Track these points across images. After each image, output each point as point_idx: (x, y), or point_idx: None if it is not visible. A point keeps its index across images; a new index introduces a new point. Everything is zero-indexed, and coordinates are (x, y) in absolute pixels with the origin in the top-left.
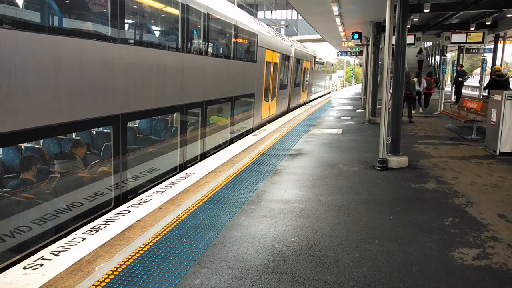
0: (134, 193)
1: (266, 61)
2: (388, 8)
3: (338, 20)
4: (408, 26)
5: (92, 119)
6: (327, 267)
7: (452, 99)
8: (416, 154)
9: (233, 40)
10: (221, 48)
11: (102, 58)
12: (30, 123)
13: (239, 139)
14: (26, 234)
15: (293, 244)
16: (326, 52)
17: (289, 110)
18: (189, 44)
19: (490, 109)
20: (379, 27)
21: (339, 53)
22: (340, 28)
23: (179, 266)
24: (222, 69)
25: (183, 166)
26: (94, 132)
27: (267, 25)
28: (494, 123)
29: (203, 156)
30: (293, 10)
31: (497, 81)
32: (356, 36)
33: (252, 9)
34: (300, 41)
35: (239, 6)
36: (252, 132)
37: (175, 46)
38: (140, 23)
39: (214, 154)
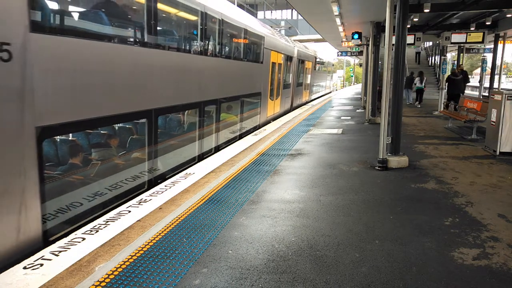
0: (161, 178)
1: (272, 62)
2: (388, 8)
3: (338, 20)
4: (408, 26)
5: (136, 112)
6: (327, 267)
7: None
8: (416, 154)
9: (243, 43)
10: (233, 51)
11: (142, 62)
12: (108, 112)
13: (247, 135)
14: (90, 203)
15: (293, 244)
16: (326, 52)
17: (292, 108)
18: (206, 48)
19: (490, 109)
20: (379, 27)
21: (339, 53)
22: (340, 28)
23: (179, 266)
24: (233, 69)
25: (201, 157)
26: (134, 124)
27: (271, 27)
28: (494, 123)
29: (217, 149)
30: (293, 10)
31: (452, 80)
32: (356, 36)
33: (252, 9)
34: (300, 41)
35: (239, 6)
36: (259, 128)
37: (196, 50)
38: (170, 30)
39: (214, 154)
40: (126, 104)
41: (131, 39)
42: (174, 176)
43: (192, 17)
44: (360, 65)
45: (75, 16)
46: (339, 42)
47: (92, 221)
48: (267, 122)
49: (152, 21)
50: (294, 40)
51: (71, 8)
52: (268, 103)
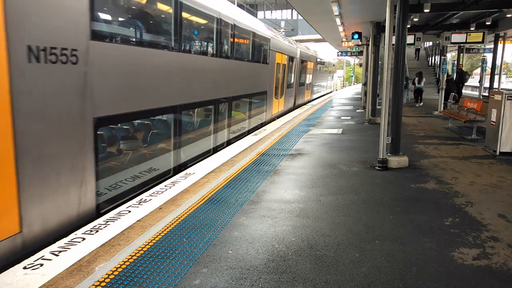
0: (183, 166)
1: (276, 63)
2: (388, 8)
3: (338, 20)
4: (408, 26)
5: (166, 107)
6: (327, 267)
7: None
8: (416, 154)
9: (251, 45)
10: (242, 53)
11: (171, 64)
12: (146, 106)
13: (254, 131)
14: (132, 183)
15: (293, 244)
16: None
17: (295, 107)
18: (220, 50)
19: (490, 109)
20: (379, 27)
21: (339, 53)
22: (340, 28)
23: (179, 266)
24: (243, 70)
25: (215, 150)
26: (164, 118)
27: (274, 28)
28: (494, 123)
29: (228, 142)
30: (293, 10)
31: (448, 80)
32: (356, 36)
33: (252, 9)
34: (300, 41)
35: (239, 6)
36: (265, 125)
37: (211, 52)
38: (192, 36)
39: (215, 154)
40: (158, 100)
41: (164, 45)
42: (174, 176)
43: (210, 23)
44: (360, 65)
45: (122, 26)
46: (339, 42)
47: (132, 199)
48: (272, 120)
49: (180, 28)
50: (294, 41)
51: (119, 19)
52: (273, 101)
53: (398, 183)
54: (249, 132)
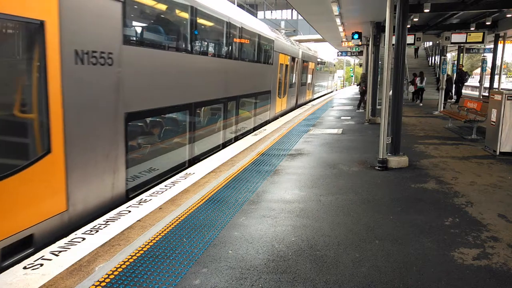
0: (196, 159)
1: (280, 63)
2: (388, 8)
3: (338, 20)
4: (408, 26)
5: (183, 104)
6: (327, 267)
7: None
8: (416, 154)
9: (257, 47)
10: (249, 54)
11: (188, 65)
12: (167, 103)
13: (259, 128)
14: (154, 172)
15: (293, 244)
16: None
17: (296, 106)
18: (230, 52)
19: (490, 109)
20: (379, 27)
21: (339, 53)
22: (340, 28)
23: (179, 266)
24: (249, 70)
25: (223, 145)
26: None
27: (277, 30)
28: (494, 123)
29: (236, 138)
30: (293, 10)
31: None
32: (356, 36)
33: (252, 9)
34: (300, 41)
35: (239, 6)
36: (269, 123)
37: (221, 54)
38: (204, 39)
39: (216, 154)
40: (176, 98)
41: (181, 48)
42: (174, 176)
43: (219, 27)
44: (360, 65)
45: (148, 32)
46: (339, 42)
47: (156, 186)
48: (276, 118)
49: (197, 32)
50: (296, 42)
51: (146, 26)
52: (277, 100)
53: (398, 183)
54: (255, 129)
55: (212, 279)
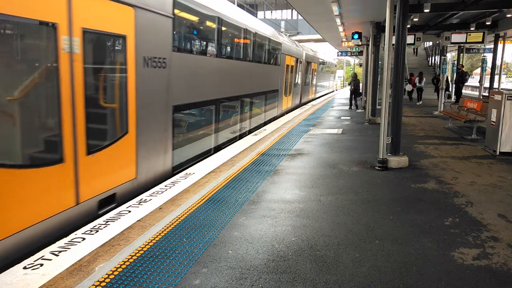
0: (218, 148)
1: (286, 64)
2: (388, 8)
3: (338, 20)
4: (408, 26)
5: (212, 100)
6: (327, 267)
7: (452, 99)
8: (416, 154)
9: (267, 50)
10: (261, 57)
11: (215, 68)
12: (201, 99)
13: (270, 123)
14: (191, 152)
15: (293, 244)
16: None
17: (300, 104)
18: (245, 55)
19: (490, 109)
20: (379, 27)
21: (339, 53)
22: (340, 28)
23: (179, 266)
24: (261, 71)
25: (239, 137)
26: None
27: (280, 32)
28: (494, 123)
29: (250, 131)
30: (293, 10)
31: (438, 79)
32: (356, 36)
33: (252, 9)
34: (300, 41)
35: (239, 6)
36: (277, 118)
37: (238, 57)
38: (226, 44)
39: (216, 153)
40: (206, 94)
41: (211, 52)
42: (174, 176)
43: (238, 33)
44: (360, 65)
45: (189, 40)
46: (339, 42)
47: (192, 165)
48: (282, 115)
49: (220, 39)
50: (297, 42)
51: (187, 36)
52: (283, 98)
53: (398, 183)
54: (265, 123)
55: (212, 279)
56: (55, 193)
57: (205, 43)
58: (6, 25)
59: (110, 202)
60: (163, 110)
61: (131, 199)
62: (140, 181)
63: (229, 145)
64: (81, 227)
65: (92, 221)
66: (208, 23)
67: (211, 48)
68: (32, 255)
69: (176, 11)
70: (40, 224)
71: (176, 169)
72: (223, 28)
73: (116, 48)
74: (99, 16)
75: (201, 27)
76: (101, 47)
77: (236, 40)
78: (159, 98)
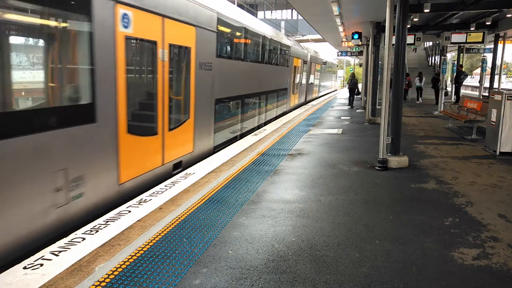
0: (243, 136)
1: (294, 66)
2: (388, 8)
3: (338, 20)
4: (408, 26)
5: (238, 95)
6: (327, 267)
7: (452, 99)
8: (416, 154)
9: (279, 53)
10: (274, 59)
11: (242, 70)
12: (232, 94)
13: (281, 117)
14: (225, 136)
15: (293, 244)
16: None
17: (306, 102)
18: (262, 58)
19: (490, 109)
20: (379, 27)
21: (339, 53)
22: (340, 28)
23: (179, 266)
24: (274, 72)
25: (257, 127)
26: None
27: (287, 36)
28: (494, 123)
29: (266, 123)
30: (293, 10)
31: (436, 79)
32: (356, 36)
33: (252, 9)
34: (300, 41)
35: (239, 6)
36: (286, 114)
37: (258, 60)
38: (249, 49)
39: (217, 153)
40: (235, 91)
41: (238, 57)
42: (174, 176)
43: (258, 40)
44: (360, 65)
45: (226, 48)
46: (339, 42)
47: (228, 146)
48: (290, 110)
49: (246, 45)
50: (295, 40)
51: (224, 44)
52: (291, 96)
53: (398, 183)
54: (277, 117)
55: (212, 279)
56: (153, 155)
57: (235, 49)
58: None
59: (178, 167)
60: (209, 102)
61: (190, 167)
62: (194, 155)
63: (249, 134)
64: (148, 190)
65: (169, 178)
66: (238, 33)
67: (239, 54)
68: (32, 255)
69: (218, 26)
70: (146, 174)
71: (215, 149)
72: (248, 36)
73: (186, 56)
74: (176, 34)
75: (233, 37)
76: (178, 56)
77: (255, 46)
78: (207, 93)
